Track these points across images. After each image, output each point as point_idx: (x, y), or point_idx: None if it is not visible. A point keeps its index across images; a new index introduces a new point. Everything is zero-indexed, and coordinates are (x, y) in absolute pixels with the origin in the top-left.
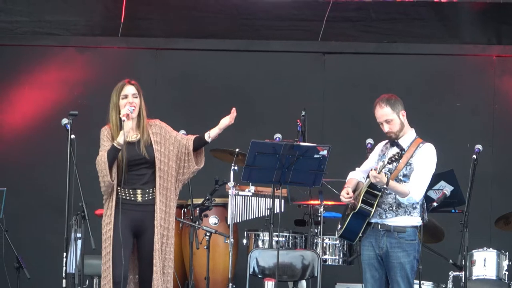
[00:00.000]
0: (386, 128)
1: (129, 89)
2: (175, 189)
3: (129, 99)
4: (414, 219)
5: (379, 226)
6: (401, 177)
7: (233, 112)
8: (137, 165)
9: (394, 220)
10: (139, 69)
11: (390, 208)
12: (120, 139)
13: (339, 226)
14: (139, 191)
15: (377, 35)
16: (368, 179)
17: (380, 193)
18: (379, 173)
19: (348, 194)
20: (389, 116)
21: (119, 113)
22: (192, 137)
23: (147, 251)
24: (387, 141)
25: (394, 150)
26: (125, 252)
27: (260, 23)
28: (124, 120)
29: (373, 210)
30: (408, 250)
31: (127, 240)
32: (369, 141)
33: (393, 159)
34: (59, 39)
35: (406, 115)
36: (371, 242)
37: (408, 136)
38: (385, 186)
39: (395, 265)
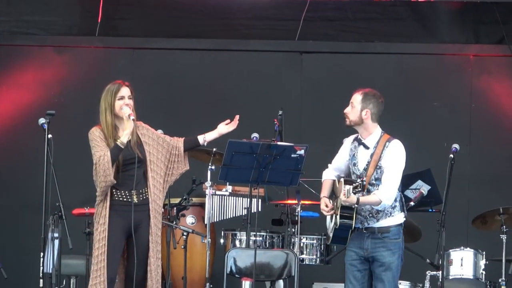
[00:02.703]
0: (347, 110)
1: (125, 91)
2: (163, 189)
3: (125, 100)
4: (397, 218)
5: (364, 229)
6: (373, 181)
7: (236, 119)
8: (129, 164)
9: (378, 223)
10: (116, 68)
11: (371, 215)
12: (124, 139)
13: (328, 229)
14: (134, 192)
15: (354, 35)
16: (339, 199)
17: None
18: (348, 197)
19: (327, 206)
20: (356, 103)
21: (114, 114)
22: (181, 139)
23: (142, 251)
24: (354, 136)
25: (362, 149)
26: (118, 253)
27: (238, 22)
28: (133, 119)
29: (353, 222)
30: (392, 249)
31: (121, 242)
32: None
33: (357, 190)
34: (37, 39)
35: (369, 117)
36: (355, 243)
37: (374, 135)
38: (356, 205)
39: (381, 264)
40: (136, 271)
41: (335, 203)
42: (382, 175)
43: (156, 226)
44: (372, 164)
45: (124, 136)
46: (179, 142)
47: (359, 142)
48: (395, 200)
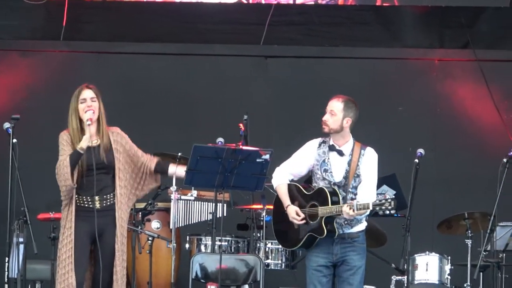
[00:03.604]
0: (326, 117)
1: (87, 93)
2: (129, 199)
3: (87, 103)
4: (364, 224)
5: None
6: (350, 189)
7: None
8: (96, 169)
9: (349, 230)
10: (81, 72)
11: (346, 223)
12: (84, 144)
13: (287, 238)
14: (97, 197)
15: (319, 39)
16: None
17: (338, 215)
18: (354, 213)
19: (299, 216)
20: (337, 111)
21: (79, 118)
22: (154, 160)
23: (107, 256)
24: (320, 140)
25: (336, 156)
26: (85, 257)
27: (203, 26)
28: (89, 124)
29: (338, 230)
30: (361, 253)
31: (87, 246)
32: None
33: (383, 207)
34: (1, 43)
35: (349, 125)
36: (322, 249)
37: (349, 143)
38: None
39: (350, 268)
40: (102, 276)
41: (306, 210)
42: (360, 183)
43: (122, 234)
44: (351, 173)
45: (83, 141)
46: (151, 162)
47: (332, 148)
48: None
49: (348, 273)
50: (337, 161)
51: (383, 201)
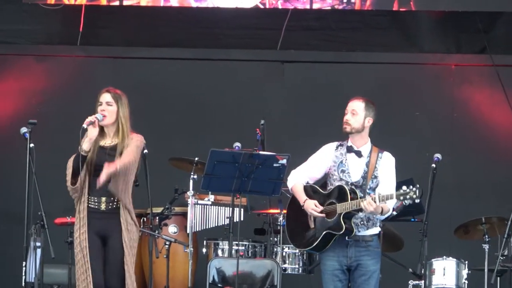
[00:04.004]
0: (348, 117)
1: (104, 97)
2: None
3: (102, 106)
4: (377, 228)
5: (347, 237)
6: (368, 190)
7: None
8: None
9: (363, 232)
10: (97, 78)
11: (362, 223)
12: (84, 145)
13: (302, 238)
14: (103, 198)
15: (336, 44)
16: (352, 202)
17: (357, 213)
18: (377, 205)
19: (317, 206)
20: (359, 110)
21: None
22: None
23: (114, 260)
24: (337, 143)
25: (354, 157)
26: (100, 260)
27: (220, 32)
28: (83, 127)
29: (355, 230)
30: (376, 258)
31: (99, 249)
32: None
33: (408, 197)
34: (17, 48)
35: (369, 125)
36: (336, 252)
37: (368, 145)
38: (379, 215)
39: (365, 273)
40: (110, 281)
41: (325, 208)
42: (377, 185)
43: (132, 238)
44: (369, 174)
45: (84, 143)
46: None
47: (350, 150)
48: None
49: (362, 278)
50: (355, 162)
51: (407, 190)
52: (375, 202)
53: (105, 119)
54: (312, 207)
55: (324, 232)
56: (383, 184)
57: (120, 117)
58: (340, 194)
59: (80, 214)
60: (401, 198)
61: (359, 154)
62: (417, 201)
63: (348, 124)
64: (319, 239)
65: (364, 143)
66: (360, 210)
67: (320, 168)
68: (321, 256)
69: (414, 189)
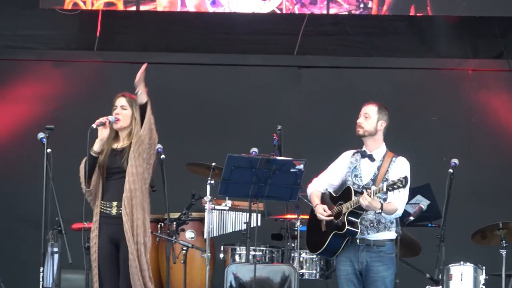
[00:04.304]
0: (360, 120)
1: (119, 101)
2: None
3: (117, 110)
4: (392, 233)
5: (358, 241)
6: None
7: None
8: (114, 174)
9: (374, 236)
10: (114, 83)
11: (371, 225)
12: (95, 147)
13: (315, 243)
14: (115, 203)
15: (353, 49)
16: (353, 200)
17: (363, 212)
18: (372, 199)
19: (325, 211)
20: (371, 113)
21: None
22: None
23: (124, 266)
24: (354, 151)
25: (367, 162)
26: (112, 266)
27: (237, 37)
28: (92, 127)
29: (359, 231)
30: (388, 263)
31: (111, 254)
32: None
33: (395, 186)
34: (35, 53)
35: (383, 129)
36: (349, 257)
37: (381, 149)
38: (378, 211)
39: (376, 279)
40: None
41: (334, 210)
42: None
43: (139, 242)
44: (379, 177)
45: (95, 145)
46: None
47: (364, 154)
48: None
49: (373, 284)
50: (367, 166)
51: (395, 180)
52: (369, 196)
53: (119, 123)
54: (320, 211)
55: (332, 233)
56: None
57: (133, 121)
58: (346, 194)
59: (94, 218)
60: (390, 188)
61: (371, 158)
62: (402, 189)
63: (360, 127)
64: (327, 241)
65: (377, 147)
66: (362, 208)
67: (337, 176)
68: (336, 261)
69: (401, 179)
